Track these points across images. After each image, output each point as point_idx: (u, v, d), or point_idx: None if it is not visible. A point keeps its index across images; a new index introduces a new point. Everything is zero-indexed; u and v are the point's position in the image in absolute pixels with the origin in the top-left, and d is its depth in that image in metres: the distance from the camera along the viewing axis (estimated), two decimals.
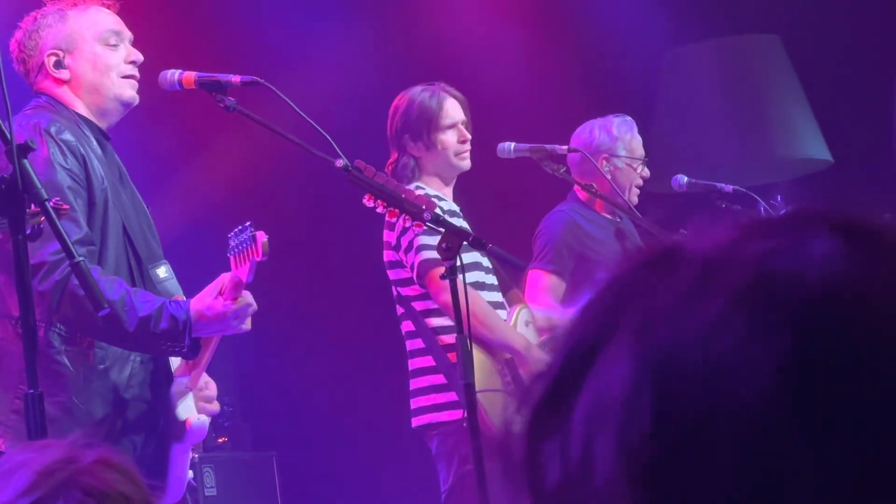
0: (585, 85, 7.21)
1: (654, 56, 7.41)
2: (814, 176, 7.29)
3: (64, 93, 3.96)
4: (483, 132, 5.16)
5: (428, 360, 4.84)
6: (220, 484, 6.28)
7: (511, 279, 5.14)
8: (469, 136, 5.01)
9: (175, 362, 3.91)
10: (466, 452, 4.63)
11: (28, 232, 3.12)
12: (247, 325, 3.79)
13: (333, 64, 7.12)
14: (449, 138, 4.98)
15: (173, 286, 3.94)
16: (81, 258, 3.16)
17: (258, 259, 3.58)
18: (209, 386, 3.97)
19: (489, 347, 4.76)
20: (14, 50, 3.99)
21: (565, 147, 5.41)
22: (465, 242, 4.06)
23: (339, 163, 3.96)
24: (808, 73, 7.26)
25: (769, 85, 7.23)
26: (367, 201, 4.09)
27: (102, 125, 4.00)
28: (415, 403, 4.89)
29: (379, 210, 4.12)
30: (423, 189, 4.78)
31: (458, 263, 4.00)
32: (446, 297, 4.68)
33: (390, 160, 5.03)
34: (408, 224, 4.21)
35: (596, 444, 0.74)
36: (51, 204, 3.13)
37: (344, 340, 7.37)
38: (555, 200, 5.69)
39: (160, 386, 3.89)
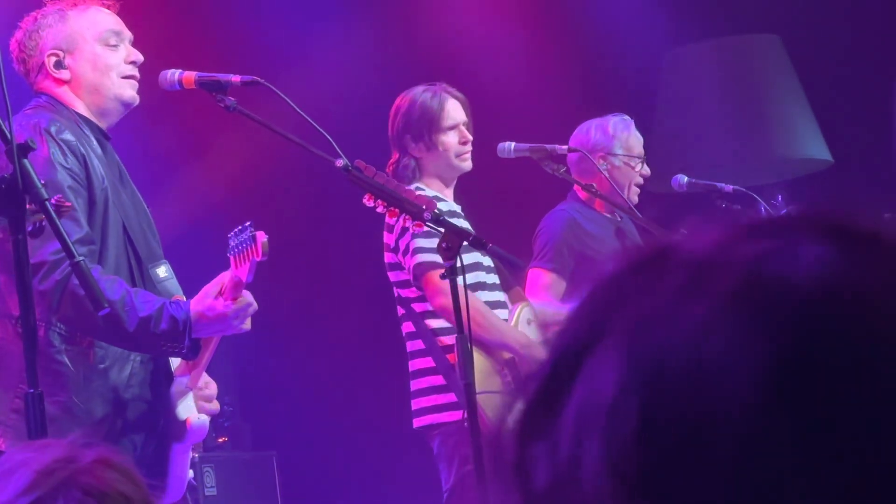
0: (585, 85, 7.21)
1: (654, 56, 7.41)
2: (814, 176, 7.28)
3: (64, 93, 3.96)
4: (483, 132, 5.16)
5: (428, 362, 4.85)
6: (220, 483, 6.28)
7: (513, 278, 5.14)
8: (470, 138, 5.01)
9: (175, 362, 3.91)
10: (467, 453, 4.63)
11: (29, 229, 3.12)
12: (247, 325, 3.79)
13: (333, 64, 7.12)
14: (450, 139, 4.98)
15: (173, 286, 3.94)
16: (81, 258, 3.16)
17: (258, 259, 3.58)
18: (209, 385, 3.97)
19: (487, 348, 4.76)
20: (14, 50, 3.99)
21: (565, 147, 5.41)
22: (465, 242, 4.06)
23: (340, 162, 3.96)
24: (808, 73, 7.26)
25: (769, 85, 7.23)
26: (367, 201, 4.09)
27: (102, 125, 4.00)
28: (416, 404, 4.89)
29: (379, 210, 4.12)
30: (423, 190, 4.78)
31: (459, 264, 4.00)
32: (441, 300, 4.70)
33: (391, 160, 5.03)
34: (408, 224, 4.21)
35: (584, 447, 0.74)
36: (52, 202, 3.13)
37: (344, 340, 7.37)
38: (555, 200, 5.69)
39: (160, 385, 3.89)
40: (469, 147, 5.01)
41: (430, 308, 4.82)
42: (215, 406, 3.97)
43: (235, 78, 3.93)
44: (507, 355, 4.82)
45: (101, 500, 1.75)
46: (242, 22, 7.08)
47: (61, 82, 3.96)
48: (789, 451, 0.71)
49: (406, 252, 4.82)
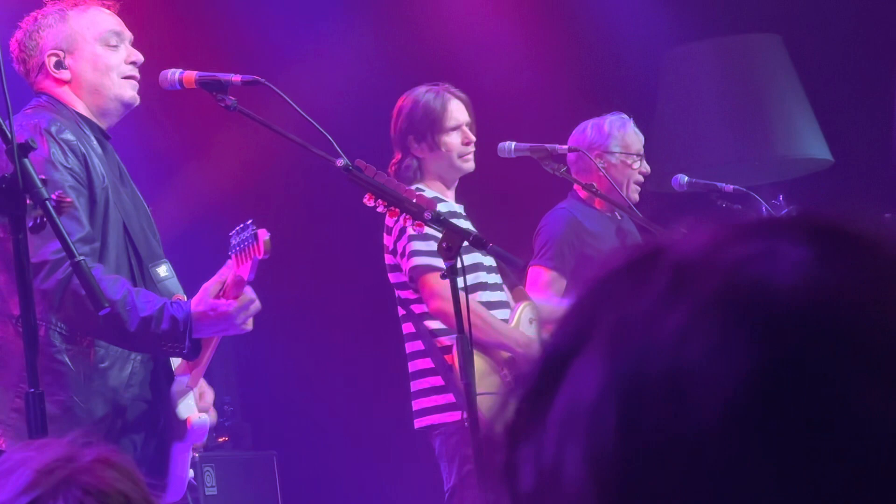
0: (586, 84, 7.21)
1: (655, 55, 7.41)
2: (814, 176, 7.28)
3: (64, 93, 3.96)
4: (484, 132, 5.16)
5: (428, 362, 4.85)
6: (221, 483, 6.28)
7: (515, 278, 5.14)
8: (473, 138, 5.01)
9: (176, 361, 3.91)
10: (468, 453, 4.63)
11: (29, 225, 3.12)
12: (249, 325, 3.79)
13: (333, 63, 7.12)
14: (453, 140, 4.97)
15: (174, 285, 3.94)
16: (82, 257, 3.16)
17: (260, 257, 3.57)
18: (205, 396, 3.97)
19: (485, 349, 4.76)
20: (14, 50, 3.99)
21: (565, 146, 5.42)
22: (465, 242, 4.07)
23: (340, 162, 3.96)
24: (808, 73, 7.26)
25: (770, 85, 7.23)
26: (368, 201, 4.09)
27: (103, 125, 4.00)
28: (416, 405, 4.90)
29: (379, 210, 4.12)
30: (423, 191, 4.78)
31: (460, 264, 4.00)
32: (437, 303, 4.71)
33: (394, 161, 5.03)
34: (408, 224, 4.21)
35: (566, 450, 0.74)
36: (53, 198, 3.14)
37: (345, 340, 7.37)
38: (555, 200, 5.69)
39: (161, 385, 3.89)
40: (472, 147, 5.01)
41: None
42: (213, 415, 3.97)
43: (236, 77, 3.93)
44: (506, 355, 4.82)
45: (100, 499, 1.75)
46: (243, 21, 7.08)
47: (61, 82, 3.96)
48: (766, 459, 0.70)
49: (403, 255, 4.83)
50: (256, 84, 3.92)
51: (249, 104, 4.02)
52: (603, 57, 7.47)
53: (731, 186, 5.91)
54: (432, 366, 4.83)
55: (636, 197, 5.65)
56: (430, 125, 4.95)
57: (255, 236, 3.57)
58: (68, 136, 3.81)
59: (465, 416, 4.68)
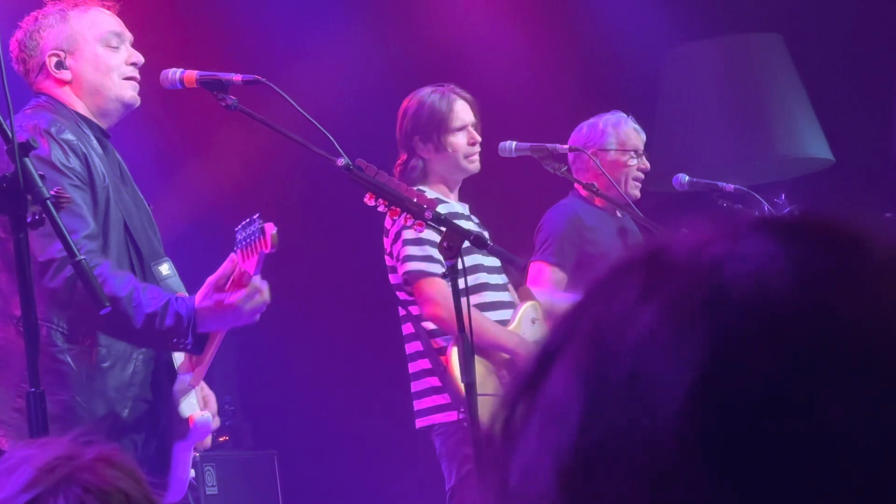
0: (587, 84, 7.21)
1: (656, 55, 7.41)
2: (815, 175, 7.28)
3: (64, 93, 3.96)
4: (484, 131, 5.16)
5: (426, 363, 4.86)
6: (221, 483, 6.29)
7: (518, 277, 5.14)
8: (479, 139, 5.01)
9: (178, 359, 3.91)
10: (467, 452, 4.64)
11: (28, 220, 3.11)
12: (256, 314, 3.73)
13: (334, 63, 7.12)
14: (459, 140, 4.97)
15: (176, 283, 3.94)
16: (82, 257, 3.16)
17: (267, 251, 3.56)
18: (209, 402, 3.97)
19: (480, 351, 4.74)
20: (14, 49, 3.98)
21: (566, 146, 5.42)
22: (466, 242, 4.07)
23: (341, 161, 3.96)
24: (809, 72, 7.26)
25: (771, 84, 7.23)
26: (368, 200, 4.09)
27: (103, 125, 4.00)
28: (417, 405, 4.90)
29: (380, 209, 4.12)
30: (425, 192, 4.78)
31: (461, 265, 4.01)
32: (431, 308, 4.72)
33: (399, 162, 5.03)
34: (409, 223, 4.21)
35: (539, 452, 0.74)
36: (52, 193, 3.14)
37: (346, 340, 7.38)
38: (556, 199, 5.70)
39: (162, 384, 3.89)
40: (478, 148, 5.01)
41: None
42: (215, 422, 3.97)
43: (237, 77, 3.93)
44: (504, 357, 4.82)
45: (101, 498, 1.76)
46: (243, 21, 7.08)
47: (62, 82, 3.96)
48: (705, 466, 0.69)
49: (398, 258, 4.84)
50: (257, 83, 3.92)
51: (250, 103, 4.02)
52: (604, 56, 7.47)
53: (732, 186, 5.91)
54: (430, 366, 4.83)
55: (637, 193, 5.65)
56: (435, 126, 4.95)
57: (262, 230, 3.56)
58: (68, 135, 3.81)
59: (461, 415, 4.69)
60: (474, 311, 4.75)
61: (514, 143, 5.14)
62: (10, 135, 3.15)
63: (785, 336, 0.71)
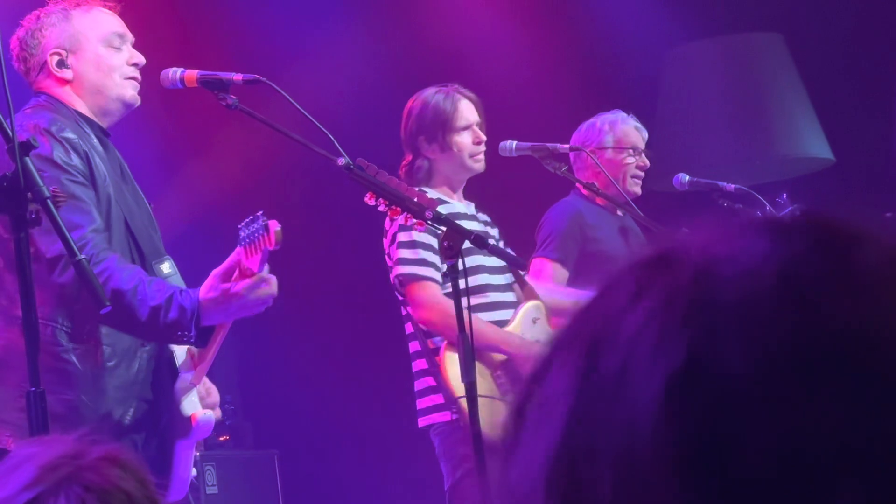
0: (587, 83, 7.21)
1: (656, 54, 7.41)
2: (815, 175, 7.28)
3: (64, 92, 3.95)
4: (485, 131, 5.16)
5: (424, 363, 4.87)
6: (222, 482, 6.29)
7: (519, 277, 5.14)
8: (484, 138, 5.01)
9: (180, 358, 3.91)
10: (465, 452, 4.64)
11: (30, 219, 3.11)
12: (261, 304, 3.71)
13: (335, 62, 7.12)
14: (464, 140, 4.97)
15: (177, 282, 3.93)
16: (83, 257, 3.17)
17: (271, 248, 3.56)
18: (211, 394, 3.97)
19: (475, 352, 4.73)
20: (15, 48, 3.97)
21: (566, 145, 5.42)
22: (467, 242, 4.07)
23: (341, 161, 3.96)
24: (809, 72, 7.26)
25: (771, 83, 7.22)
26: (369, 200, 4.09)
27: (103, 124, 4.00)
28: (419, 404, 4.90)
29: (381, 209, 4.12)
30: (426, 192, 4.78)
31: (462, 266, 4.01)
32: (421, 313, 4.74)
33: (404, 162, 5.03)
34: (409, 223, 4.21)
35: (532, 447, 0.75)
36: (51, 190, 3.14)
37: (346, 339, 7.38)
38: (557, 199, 5.70)
39: (163, 383, 3.89)
40: (483, 147, 5.01)
41: None
42: (217, 414, 3.97)
43: (237, 76, 3.92)
44: (500, 357, 4.81)
45: (102, 497, 1.75)
46: (244, 20, 7.08)
47: (63, 82, 3.96)
48: (673, 468, 0.69)
49: (392, 260, 4.85)
50: (258, 83, 3.92)
51: (251, 103, 4.02)
52: (604, 56, 7.47)
53: (733, 185, 5.91)
54: (427, 367, 4.84)
55: (637, 190, 5.65)
56: (440, 126, 4.95)
57: (266, 227, 3.55)
58: (69, 134, 3.81)
59: (454, 416, 4.70)
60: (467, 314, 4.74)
61: (514, 143, 5.14)
62: (10, 134, 3.15)
63: (761, 338, 0.70)
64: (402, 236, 4.80)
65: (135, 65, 4.01)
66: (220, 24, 7.02)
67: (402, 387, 5.11)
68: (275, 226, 3.54)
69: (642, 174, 5.70)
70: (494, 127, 5.14)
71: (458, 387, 4.61)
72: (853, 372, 0.69)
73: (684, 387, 0.70)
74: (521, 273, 5.03)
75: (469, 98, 5.03)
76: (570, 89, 7.14)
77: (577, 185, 5.60)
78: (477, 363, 4.04)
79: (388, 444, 7.04)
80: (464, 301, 4.01)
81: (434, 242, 4.76)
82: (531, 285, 5.04)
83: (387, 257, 4.93)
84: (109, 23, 4.02)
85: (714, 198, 5.94)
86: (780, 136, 7.16)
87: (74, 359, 3.74)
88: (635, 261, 0.77)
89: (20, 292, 3.15)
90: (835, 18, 7.41)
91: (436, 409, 4.82)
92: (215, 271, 3.70)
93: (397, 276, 4.82)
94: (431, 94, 5.01)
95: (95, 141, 3.90)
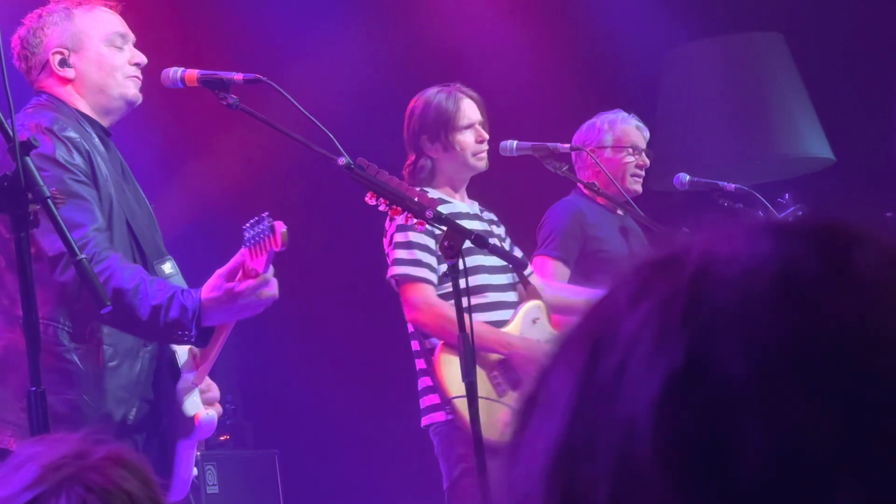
0: (588, 83, 7.21)
1: (656, 54, 7.41)
2: (816, 174, 7.28)
3: (66, 91, 3.95)
4: (488, 129, 5.16)
5: (423, 363, 4.87)
6: (222, 482, 6.29)
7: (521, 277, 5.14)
8: (486, 136, 5.01)
9: (182, 358, 3.91)
10: (461, 452, 4.65)
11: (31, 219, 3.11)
12: (261, 305, 3.71)
13: (335, 61, 7.12)
14: (466, 138, 4.97)
15: (178, 282, 3.93)
16: (83, 256, 3.16)
17: (277, 249, 3.55)
18: (211, 388, 3.97)
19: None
20: (16, 46, 3.97)
21: (567, 145, 5.43)
22: (468, 241, 4.07)
23: (342, 160, 3.96)
24: (810, 71, 7.26)
25: (771, 83, 7.22)
26: (369, 199, 4.09)
27: (104, 123, 3.99)
28: (421, 403, 4.91)
29: (381, 208, 4.12)
30: (428, 192, 4.78)
31: (462, 266, 4.01)
32: (413, 314, 4.75)
33: (408, 162, 5.03)
34: (410, 222, 4.21)
35: (533, 445, 0.75)
36: (51, 191, 3.14)
37: (347, 338, 7.38)
38: (557, 199, 5.70)
39: (164, 383, 3.89)
40: (485, 146, 5.01)
41: None
42: (217, 409, 3.97)
43: (238, 76, 3.92)
44: (495, 357, 4.80)
45: (103, 498, 1.75)
46: (245, 20, 7.08)
47: (65, 81, 3.95)
48: (663, 469, 0.69)
49: (388, 259, 4.85)
50: (258, 82, 3.92)
51: (251, 102, 4.02)
52: (604, 56, 7.47)
53: (733, 185, 5.91)
54: (425, 367, 4.85)
55: (638, 188, 5.65)
56: (443, 125, 4.95)
57: (272, 228, 3.54)
58: (71, 133, 3.80)
59: (449, 416, 4.71)
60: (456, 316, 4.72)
61: (514, 143, 5.14)
62: (10, 133, 3.15)
63: (761, 338, 0.70)
64: (399, 237, 4.81)
65: (136, 64, 4.01)
66: (220, 24, 7.02)
67: (402, 386, 5.11)
68: (281, 227, 3.54)
69: (642, 173, 5.70)
70: (495, 127, 5.14)
71: (451, 387, 4.63)
72: (853, 372, 0.69)
73: (683, 387, 0.70)
74: (526, 273, 5.04)
75: (471, 97, 5.03)
76: (570, 89, 7.14)
77: (578, 184, 5.60)
78: (462, 367, 4.02)
79: (389, 443, 7.04)
80: (464, 301, 4.01)
81: (431, 243, 4.77)
82: (534, 285, 5.04)
83: (386, 257, 4.94)
84: (111, 22, 4.02)
85: (714, 198, 5.94)
86: (780, 136, 7.16)
87: (76, 359, 3.74)
88: (641, 262, 0.77)
89: (21, 292, 3.15)
90: (835, 18, 7.41)
91: (434, 408, 4.82)
92: (219, 271, 3.69)
93: (391, 276, 4.83)
94: (433, 94, 5.02)
95: (97, 140, 3.90)
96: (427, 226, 4.25)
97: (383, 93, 6.24)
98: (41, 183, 3.12)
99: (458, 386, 4.59)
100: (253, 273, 3.62)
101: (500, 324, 4.88)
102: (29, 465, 1.75)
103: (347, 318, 7.34)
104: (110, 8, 4.06)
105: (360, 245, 6.08)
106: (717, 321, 0.71)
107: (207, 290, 3.68)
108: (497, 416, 4.49)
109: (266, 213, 3.58)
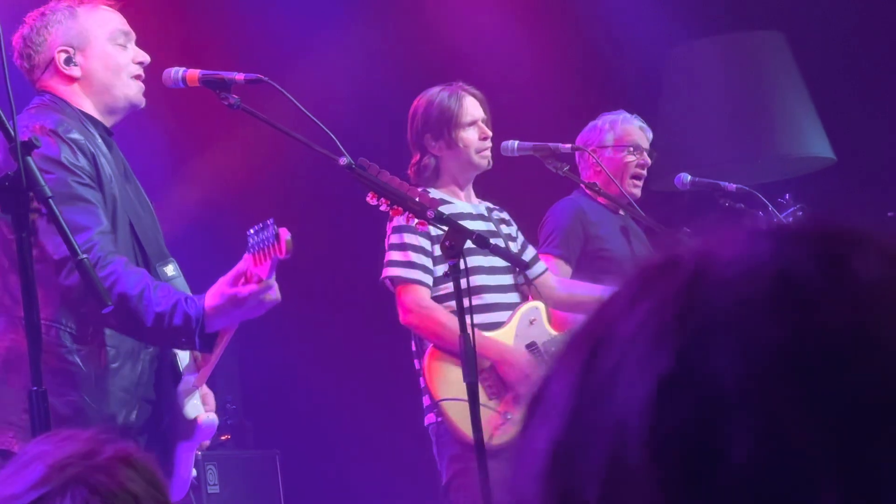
0: (589, 83, 7.21)
1: (658, 53, 7.41)
2: (817, 174, 7.28)
3: (70, 91, 3.93)
4: (491, 127, 5.16)
5: (419, 363, 4.87)
6: (223, 482, 6.28)
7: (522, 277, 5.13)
8: (490, 134, 5.02)
9: (183, 361, 3.91)
10: (455, 452, 4.66)
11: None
12: (262, 307, 3.71)
13: (337, 61, 7.12)
14: (470, 136, 4.98)
15: (181, 284, 3.93)
16: (84, 256, 3.16)
17: (282, 257, 3.55)
18: (207, 397, 3.96)
19: (453, 357, 4.71)
20: (19, 45, 3.94)
21: (569, 145, 5.42)
22: (468, 242, 4.06)
23: (343, 160, 3.95)
24: (811, 71, 7.26)
25: (772, 82, 7.22)
26: (371, 199, 4.09)
27: (107, 123, 3.98)
28: (423, 402, 4.91)
29: (382, 208, 4.12)
30: (430, 192, 4.78)
31: (464, 266, 4.01)
32: (405, 315, 4.77)
33: (412, 162, 5.04)
34: (411, 222, 4.21)
35: (532, 445, 0.75)
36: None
37: (348, 339, 7.37)
38: (558, 199, 5.70)
39: (165, 385, 3.88)
40: (489, 143, 5.02)
41: None
42: (214, 418, 3.97)
43: (239, 76, 3.92)
44: (486, 363, 4.78)
45: (108, 499, 1.75)
46: (246, 20, 7.08)
47: (70, 80, 3.93)
48: (651, 472, 0.69)
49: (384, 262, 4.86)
50: (260, 82, 3.91)
51: (253, 102, 4.02)
52: (606, 55, 7.47)
53: (735, 185, 5.91)
54: (420, 367, 4.86)
55: (637, 192, 5.65)
56: (446, 122, 4.96)
57: (277, 236, 3.54)
58: (75, 135, 3.79)
59: (438, 418, 4.71)
60: (447, 320, 4.71)
61: (516, 143, 5.15)
62: (12, 133, 3.15)
63: (757, 340, 0.70)
64: (394, 238, 4.82)
65: (140, 63, 4.00)
66: (222, 24, 7.02)
67: (402, 386, 5.11)
68: (286, 235, 3.53)
69: (644, 173, 5.70)
70: (496, 127, 5.14)
71: (439, 390, 4.65)
72: (849, 374, 0.69)
73: (674, 388, 0.70)
74: (540, 271, 5.04)
75: (474, 95, 5.04)
76: (571, 89, 7.14)
77: (580, 184, 5.60)
78: (463, 367, 4.02)
79: (389, 443, 7.04)
80: (465, 301, 4.01)
81: (426, 244, 4.78)
82: (536, 285, 5.03)
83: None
84: (115, 20, 4.01)
85: (716, 197, 5.94)
86: (781, 136, 7.16)
87: (78, 360, 3.73)
88: (643, 264, 0.77)
89: (22, 292, 3.15)
90: (837, 17, 7.41)
91: (430, 409, 4.82)
92: (223, 279, 3.68)
93: (385, 278, 4.84)
94: (436, 93, 5.03)
95: (100, 141, 3.89)
96: (429, 226, 4.26)
97: (385, 93, 6.23)
98: (42, 183, 3.11)
99: (445, 388, 4.61)
100: (256, 279, 3.62)
101: (496, 325, 4.87)
102: (35, 463, 1.74)
103: (348, 319, 7.34)
104: (111, 6, 4.05)
105: (361, 245, 6.08)
106: (712, 323, 0.71)
107: (211, 298, 3.67)
108: (486, 418, 4.47)
109: (271, 220, 3.58)
